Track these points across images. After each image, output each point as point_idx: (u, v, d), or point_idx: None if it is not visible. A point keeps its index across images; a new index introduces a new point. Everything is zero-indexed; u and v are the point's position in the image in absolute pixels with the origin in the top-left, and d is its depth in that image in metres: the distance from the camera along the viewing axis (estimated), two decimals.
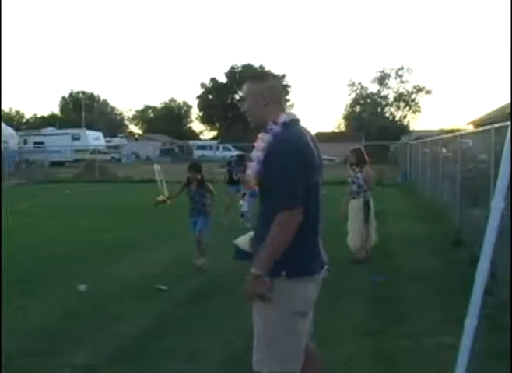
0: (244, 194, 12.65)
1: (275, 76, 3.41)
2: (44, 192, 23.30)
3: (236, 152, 36.26)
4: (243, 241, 3.96)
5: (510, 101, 26.34)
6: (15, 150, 41.66)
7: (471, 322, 2.83)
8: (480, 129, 10.93)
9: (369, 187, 9.44)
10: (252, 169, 3.22)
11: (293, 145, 3.05)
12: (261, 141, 3.15)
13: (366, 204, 9.40)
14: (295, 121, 3.21)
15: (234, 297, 6.98)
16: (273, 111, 3.17)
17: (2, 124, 42.49)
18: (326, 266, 3.34)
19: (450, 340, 5.29)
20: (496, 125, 8.34)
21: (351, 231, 9.49)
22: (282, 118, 3.15)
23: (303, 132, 3.21)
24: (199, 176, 8.81)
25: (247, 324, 5.70)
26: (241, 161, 13.11)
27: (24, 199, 20.23)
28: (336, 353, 5.05)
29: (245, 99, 3.31)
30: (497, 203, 2.72)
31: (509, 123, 6.93)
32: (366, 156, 9.62)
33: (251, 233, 3.44)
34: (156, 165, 9.70)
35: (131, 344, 5.41)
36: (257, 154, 3.18)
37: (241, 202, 12.76)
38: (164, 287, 7.44)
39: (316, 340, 5.47)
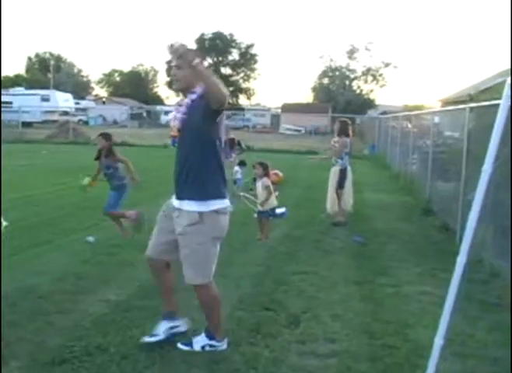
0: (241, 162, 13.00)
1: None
2: (19, 152, 23.39)
3: None
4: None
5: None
6: None
7: (456, 279, 3.55)
8: (452, 107, 11.68)
9: (348, 154, 10.27)
10: (178, 118, 4.24)
11: None
12: (188, 99, 4.18)
13: (342, 172, 10.22)
14: None
15: (226, 248, 7.73)
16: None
17: None
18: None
19: (428, 289, 6.23)
20: (472, 104, 9.12)
21: (328, 196, 10.41)
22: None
23: None
24: (107, 145, 8.21)
25: (244, 270, 6.48)
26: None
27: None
28: (332, 297, 5.89)
29: (182, 68, 4.10)
30: (487, 167, 3.47)
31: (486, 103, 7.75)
32: (349, 130, 10.40)
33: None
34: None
35: (151, 285, 6.08)
36: (183, 106, 4.21)
37: (236, 168, 12.97)
38: None
39: (315, 286, 6.32)
